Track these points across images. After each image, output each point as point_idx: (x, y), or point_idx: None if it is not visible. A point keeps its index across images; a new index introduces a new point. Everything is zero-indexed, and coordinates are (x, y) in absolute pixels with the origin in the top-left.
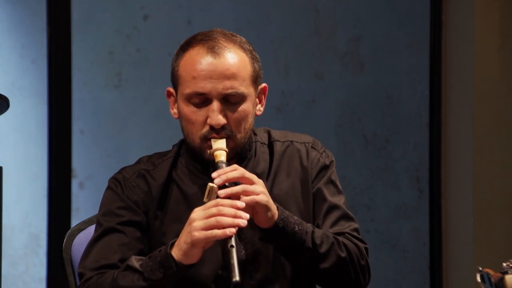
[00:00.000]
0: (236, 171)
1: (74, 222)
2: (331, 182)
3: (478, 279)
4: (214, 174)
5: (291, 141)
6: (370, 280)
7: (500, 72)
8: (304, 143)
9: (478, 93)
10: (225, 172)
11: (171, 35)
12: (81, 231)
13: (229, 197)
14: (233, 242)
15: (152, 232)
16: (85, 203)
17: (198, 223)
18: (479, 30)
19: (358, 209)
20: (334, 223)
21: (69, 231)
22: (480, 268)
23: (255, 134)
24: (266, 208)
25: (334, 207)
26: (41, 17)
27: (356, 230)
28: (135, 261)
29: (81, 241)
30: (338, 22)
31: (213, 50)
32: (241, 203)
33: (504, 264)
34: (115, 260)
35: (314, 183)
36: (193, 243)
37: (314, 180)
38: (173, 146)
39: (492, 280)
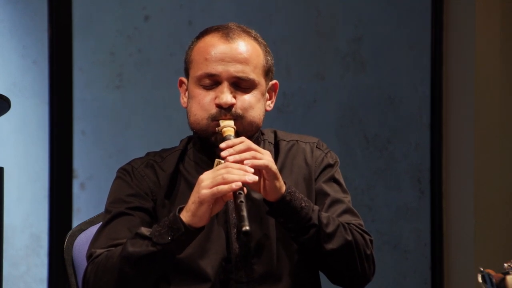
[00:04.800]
0: (243, 143)
1: (75, 223)
2: (335, 180)
3: (479, 279)
4: (222, 145)
5: (296, 141)
6: (374, 273)
7: (501, 72)
8: (309, 143)
9: (479, 93)
10: (233, 144)
11: (172, 36)
12: (82, 231)
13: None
14: (242, 198)
15: (159, 220)
16: (86, 204)
17: (205, 182)
18: (480, 30)
19: (359, 209)
20: (339, 216)
21: (70, 232)
22: (481, 269)
23: (262, 134)
24: (275, 176)
25: (337, 201)
26: (42, 18)
27: (361, 225)
28: (144, 230)
29: (82, 241)
30: (339, 23)
31: (227, 36)
32: (250, 168)
33: (506, 265)
34: (125, 240)
35: (317, 180)
36: (201, 202)
37: (317, 178)
38: (181, 141)
39: (494, 280)
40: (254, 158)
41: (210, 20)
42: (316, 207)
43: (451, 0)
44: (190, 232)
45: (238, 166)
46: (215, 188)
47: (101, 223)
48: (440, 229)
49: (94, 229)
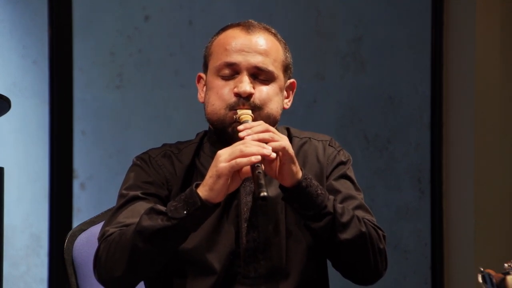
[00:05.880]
0: (261, 125)
1: (76, 223)
2: (347, 177)
3: (480, 279)
4: (240, 127)
5: (309, 138)
6: (386, 269)
7: (501, 72)
8: (321, 140)
9: (479, 93)
10: (251, 126)
11: (172, 36)
12: (82, 231)
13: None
14: (260, 170)
15: None
16: (86, 204)
17: (223, 156)
18: (480, 30)
19: None
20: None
21: (70, 232)
22: (482, 269)
23: None
24: (292, 160)
25: (349, 197)
26: (43, 18)
27: (374, 221)
28: (160, 206)
29: (83, 241)
30: (340, 23)
31: (248, 29)
32: (268, 146)
33: (506, 265)
34: None
35: (329, 178)
36: (218, 175)
37: (329, 175)
38: (197, 134)
39: (494, 280)
40: (272, 139)
41: (210, 20)
42: (331, 197)
43: (451, 0)
44: (206, 207)
45: (256, 142)
46: (233, 161)
47: (103, 222)
48: (440, 229)
49: (94, 229)
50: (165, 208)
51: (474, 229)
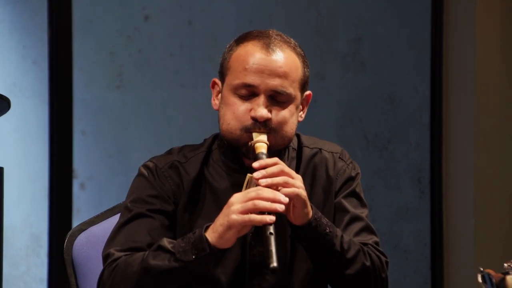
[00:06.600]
0: (276, 166)
1: (75, 223)
2: (355, 194)
3: (479, 279)
4: (255, 164)
5: (320, 149)
6: None
7: (501, 72)
8: (332, 152)
9: (479, 93)
10: (266, 164)
11: (172, 36)
12: (82, 231)
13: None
14: (271, 229)
15: (179, 225)
16: (86, 204)
17: (236, 206)
18: (480, 30)
19: None
20: (357, 234)
21: (70, 232)
22: (481, 269)
23: None
24: (304, 203)
25: (356, 218)
26: (42, 18)
27: (377, 243)
28: (167, 242)
29: (82, 241)
30: (340, 23)
31: (268, 47)
32: (283, 197)
33: (506, 265)
34: (144, 244)
35: (338, 194)
36: (229, 226)
37: (338, 191)
38: (205, 140)
39: (493, 280)
40: (286, 183)
41: (210, 20)
42: (339, 232)
43: (451, 0)
44: (214, 253)
45: (270, 192)
46: (246, 217)
47: (102, 222)
48: (440, 229)
49: (94, 229)
50: (172, 245)
51: (474, 229)
